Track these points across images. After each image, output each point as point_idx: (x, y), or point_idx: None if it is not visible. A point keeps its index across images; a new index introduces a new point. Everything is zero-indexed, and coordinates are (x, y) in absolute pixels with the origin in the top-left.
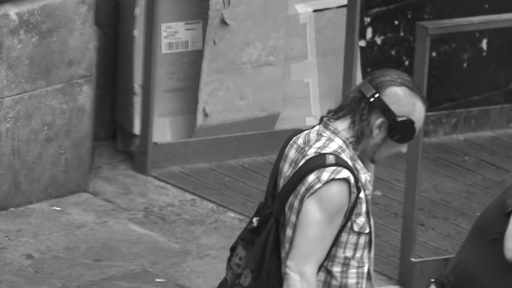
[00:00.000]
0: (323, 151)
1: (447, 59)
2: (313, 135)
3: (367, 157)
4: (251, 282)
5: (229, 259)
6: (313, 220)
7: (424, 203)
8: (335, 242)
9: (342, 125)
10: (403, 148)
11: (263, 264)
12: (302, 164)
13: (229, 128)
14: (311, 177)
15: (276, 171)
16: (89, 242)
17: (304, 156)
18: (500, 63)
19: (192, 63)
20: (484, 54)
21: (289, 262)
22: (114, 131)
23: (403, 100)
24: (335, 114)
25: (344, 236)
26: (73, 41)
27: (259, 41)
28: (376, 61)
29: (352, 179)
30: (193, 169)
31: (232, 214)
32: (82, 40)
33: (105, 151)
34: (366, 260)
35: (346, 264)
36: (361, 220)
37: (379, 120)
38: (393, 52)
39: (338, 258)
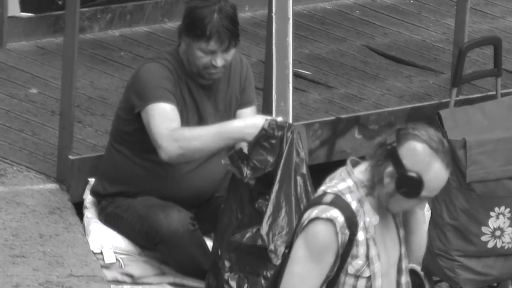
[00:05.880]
0: (328, 190)
1: None
2: (337, 173)
3: (382, 205)
4: None
5: None
6: (297, 256)
7: (81, 100)
8: (335, 282)
9: (361, 167)
10: (420, 206)
11: None
12: (309, 201)
13: None
14: (306, 214)
15: None
16: None
17: (317, 192)
18: None
19: None
20: None
21: None
22: None
23: (419, 156)
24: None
25: (342, 277)
26: None
27: None
28: None
29: (340, 220)
30: None
31: None
32: None
33: None
34: None
35: None
36: (358, 263)
37: (389, 170)
38: None
39: None
